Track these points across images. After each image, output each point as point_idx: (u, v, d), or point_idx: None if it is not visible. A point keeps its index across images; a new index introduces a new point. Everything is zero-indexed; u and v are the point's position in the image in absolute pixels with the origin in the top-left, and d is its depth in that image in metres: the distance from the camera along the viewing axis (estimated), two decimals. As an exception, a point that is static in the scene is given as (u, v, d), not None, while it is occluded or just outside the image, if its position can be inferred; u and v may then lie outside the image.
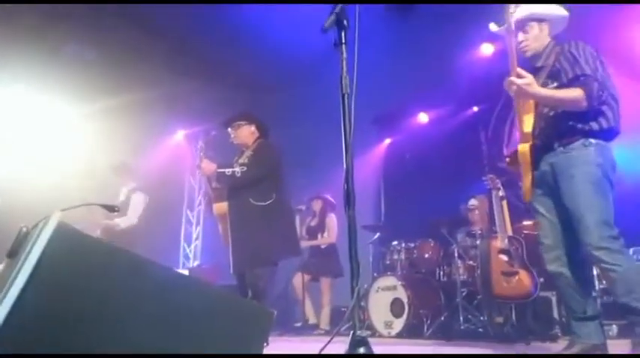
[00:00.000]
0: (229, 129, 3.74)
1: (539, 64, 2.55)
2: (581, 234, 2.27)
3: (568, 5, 2.51)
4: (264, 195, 3.47)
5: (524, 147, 2.45)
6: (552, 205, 2.48)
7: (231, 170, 3.42)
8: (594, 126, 2.35)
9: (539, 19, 2.54)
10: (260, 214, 3.44)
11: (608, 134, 2.39)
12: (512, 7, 2.41)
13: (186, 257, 8.07)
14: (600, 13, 4.66)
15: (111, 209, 3.14)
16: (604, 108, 2.36)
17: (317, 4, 2.72)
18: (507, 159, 2.71)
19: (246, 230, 3.43)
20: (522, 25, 2.54)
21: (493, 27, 2.65)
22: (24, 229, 1.36)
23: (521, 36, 2.55)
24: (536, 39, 2.55)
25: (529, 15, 2.52)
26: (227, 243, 3.56)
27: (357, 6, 2.01)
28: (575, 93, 2.28)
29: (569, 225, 2.38)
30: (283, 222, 3.56)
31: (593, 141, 2.35)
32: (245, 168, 3.42)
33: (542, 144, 2.45)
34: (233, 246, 3.47)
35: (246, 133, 3.71)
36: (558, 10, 2.56)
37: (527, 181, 2.50)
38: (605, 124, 2.36)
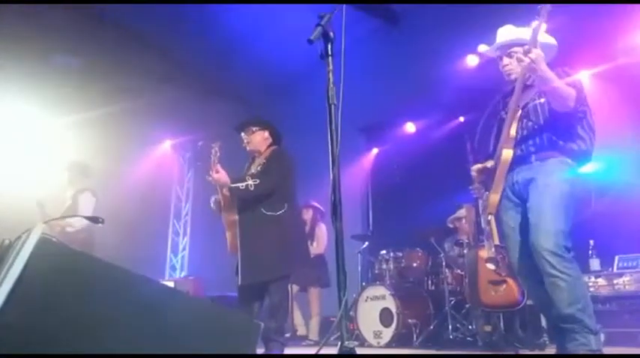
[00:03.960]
0: (242, 134, 3.59)
1: (527, 83, 2.48)
2: (537, 238, 2.22)
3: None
4: (276, 206, 3.35)
5: (508, 153, 2.43)
6: (520, 221, 2.44)
7: (244, 184, 3.27)
8: (573, 146, 2.35)
9: (524, 45, 2.46)
10: (272, 225, 3.31)
11: (584, 158, 2.39)
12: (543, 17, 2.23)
13: (173, 268, 7.99)
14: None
15: (95, 221, 3.11)
16: (583, 134, 2.36)
17: (305, 15, 2.72)
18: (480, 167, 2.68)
19: (258, 242, 3.30)
20: (506, 48, 2.53)
21: (483, 48, 2.64)
22: (6, 241, 1.34)
23: (505, 60, 2.54)
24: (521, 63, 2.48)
25: (514, 40, 2.50)
26: (233, 251, 3.42)
27: (344, 16, 2.01)
28: (569, 89, 2.28)
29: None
30: (295, 232, 3.45)
31: (569, 161, 2.35)
32: (257, 181, 3.29)
33: (520, 155, 2.44)
34: (242, 257, 3.33)
35: (259, 139, 3.57)
36: (546, 38, 2.49)
37: (498, 190, 2.46)
38: (583, 147, 2.36)
